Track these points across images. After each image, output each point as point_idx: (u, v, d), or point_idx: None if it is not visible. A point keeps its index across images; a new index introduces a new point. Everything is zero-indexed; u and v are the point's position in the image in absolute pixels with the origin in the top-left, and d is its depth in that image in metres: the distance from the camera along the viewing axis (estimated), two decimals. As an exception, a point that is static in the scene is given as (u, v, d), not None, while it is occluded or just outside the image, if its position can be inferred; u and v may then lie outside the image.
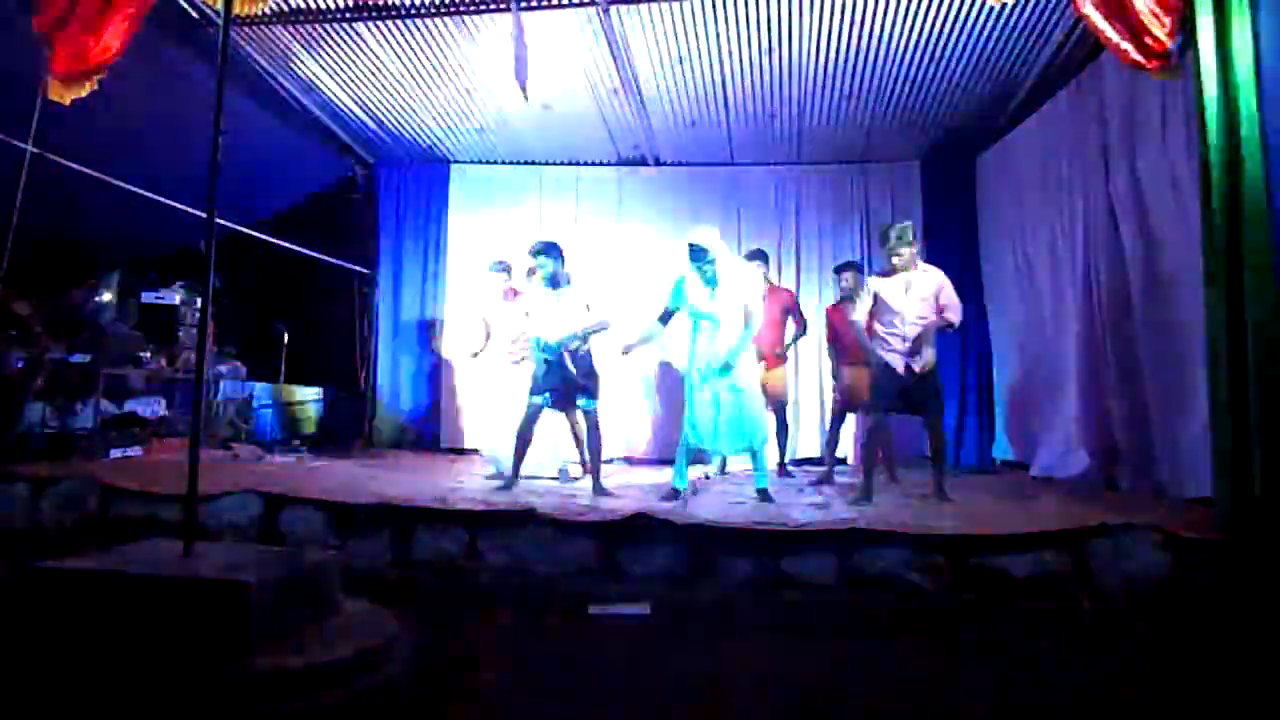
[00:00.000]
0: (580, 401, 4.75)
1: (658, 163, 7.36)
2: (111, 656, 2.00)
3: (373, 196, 7.63)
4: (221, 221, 2.96)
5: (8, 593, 2.22)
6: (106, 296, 6.44)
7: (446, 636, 2.81)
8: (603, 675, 2.56)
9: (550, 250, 4.79)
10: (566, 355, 4.65)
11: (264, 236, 6.60)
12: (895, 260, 4.38)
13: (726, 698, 2.40)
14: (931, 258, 6.99)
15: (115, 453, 5.38)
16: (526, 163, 7.45)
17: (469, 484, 4.90)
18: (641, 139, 6.85)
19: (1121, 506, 3.94)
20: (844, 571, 3.39)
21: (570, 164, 7.48)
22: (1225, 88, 3.28)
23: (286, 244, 6.80)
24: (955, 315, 4.35)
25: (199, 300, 3.96)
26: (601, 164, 7.44)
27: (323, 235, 7.29)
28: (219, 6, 3.69)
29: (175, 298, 6.48)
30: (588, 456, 4.99)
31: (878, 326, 4.45)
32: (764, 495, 4.40)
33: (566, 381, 4.67)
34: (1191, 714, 2.33)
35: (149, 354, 6.07)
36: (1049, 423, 5.54)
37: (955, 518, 3.77)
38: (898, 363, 4.34)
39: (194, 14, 4.88)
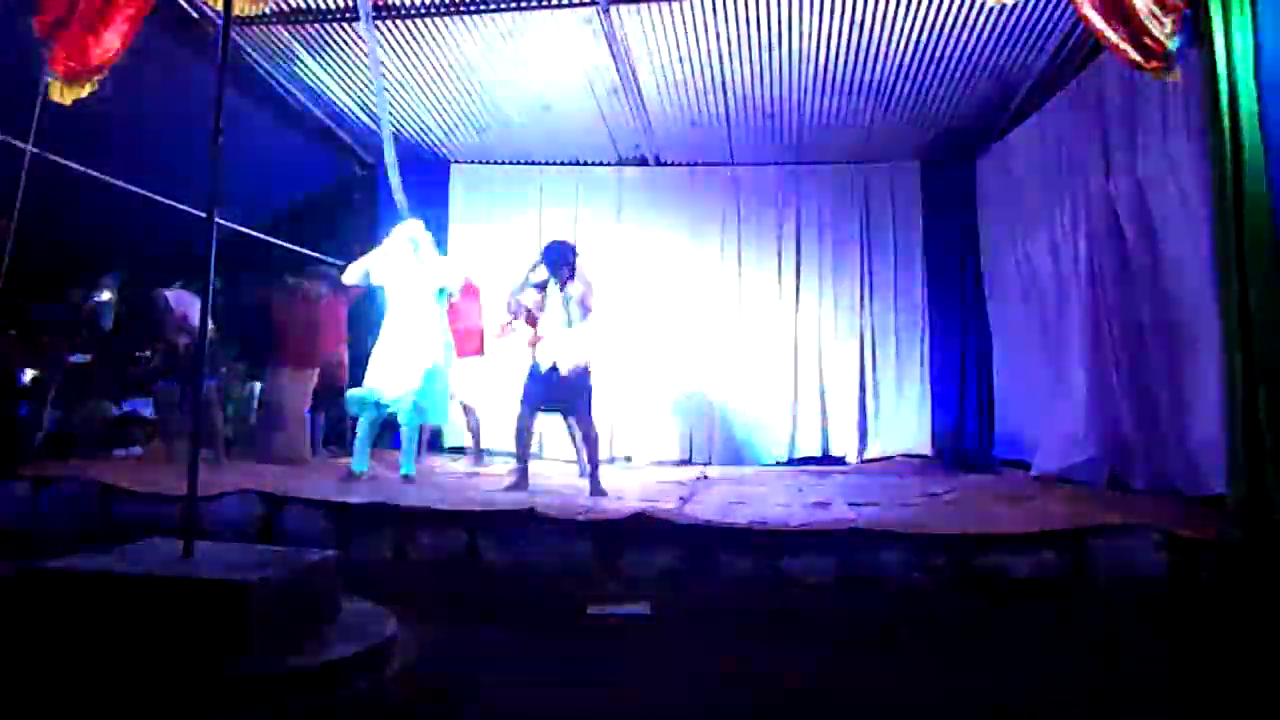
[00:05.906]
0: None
1: (658, 162, 7.36)
2: (112, 657, 2.01)
3: (373, 197, 7.62)
4: (221, 221, 2.96)
5: (8, 593, 2.22)
6: (106, 296, 6.44)
7: (446, 637, 2.80)
8: (602, 676, 2.56)
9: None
10: None
11: (264, 236, 6.59)
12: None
13: (727, 699, 2.40)
14: (931, 257, 7.06)
15: (116, 453, 5.38)
16: (526, 163, 7.44)
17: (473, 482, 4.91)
18: (641, 139, 6.84)
19: (1123, 506, 3.92)
20: (844, 571, 3.39)
21: (570, 164, 7.46)
22: (1232, 84, 3.29)
23: (287, 244, 6.79)
24: None
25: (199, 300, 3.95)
26: (601, 164, 7.43)
27: (323, 235, 7.28)
28: (219, 6, 3.68)
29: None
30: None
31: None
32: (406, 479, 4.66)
33: None
34: (1191, 714, 2.33)
35: (149, 354, 6.06)
36: (1050, 422, 5.52)
37: (955, 518, 3.77)
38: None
39: (194, 14, 4.88)
